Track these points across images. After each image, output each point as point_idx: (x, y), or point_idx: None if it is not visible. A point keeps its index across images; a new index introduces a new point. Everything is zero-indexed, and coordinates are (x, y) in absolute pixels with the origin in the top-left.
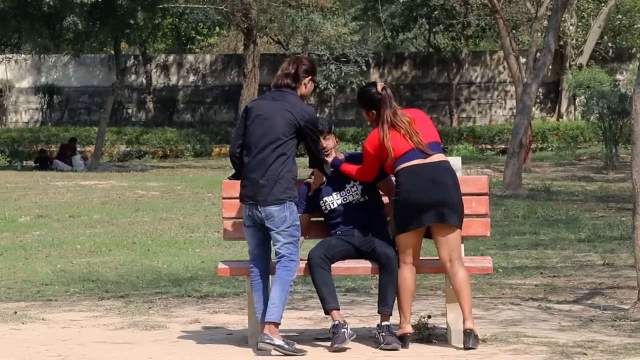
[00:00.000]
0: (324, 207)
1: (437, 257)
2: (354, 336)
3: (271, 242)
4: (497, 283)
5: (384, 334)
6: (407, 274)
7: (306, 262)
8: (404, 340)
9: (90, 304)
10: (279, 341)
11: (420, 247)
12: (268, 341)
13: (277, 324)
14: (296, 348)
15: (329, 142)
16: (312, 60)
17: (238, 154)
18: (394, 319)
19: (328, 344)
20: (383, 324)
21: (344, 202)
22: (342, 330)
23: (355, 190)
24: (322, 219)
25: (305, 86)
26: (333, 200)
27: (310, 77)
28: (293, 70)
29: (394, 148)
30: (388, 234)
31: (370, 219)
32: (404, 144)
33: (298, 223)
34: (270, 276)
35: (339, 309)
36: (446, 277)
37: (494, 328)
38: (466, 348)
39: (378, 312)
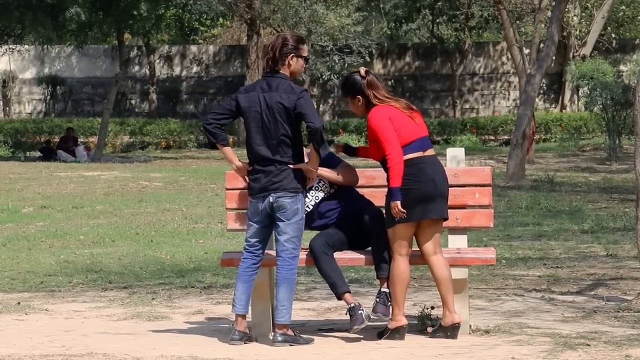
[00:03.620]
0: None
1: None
2: (371, 318)
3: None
4: (500, 274)
5: (378, 299)
6: (402, 265)
7: (308, 253)
8: (399, 333)
9: (94, 294)
10: (292, 337)
11: (412, 238)
12: (281, 339)
13: (287, 325)
14: (306, 338)
15: None
16: (293, 36)
17: (217, 127)
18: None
19: (332, 334)
20: (382, 290)
21: (317, 201)
22: (360, 311)
23: (323, 184)
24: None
25: (290, 65)
26: (307, 203)
27: (292, 55)
28: (272, 54)
29: (402, 131)
30: (371, 205)
31: (349, 202)
32: (411, 128)
33: (304, 215)
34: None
35: (350, 292)
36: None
37: (497, 319)
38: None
39: (377, 278)
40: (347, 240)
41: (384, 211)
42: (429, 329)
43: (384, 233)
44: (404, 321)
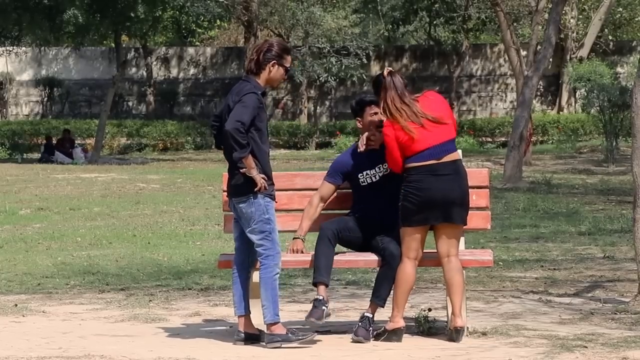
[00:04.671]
0: (362, 180)
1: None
2: (330, 316)
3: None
4: (497, 276)
5: (360, 323)
6: (409, 269)
7: (310, 255)
8: (397, 334)
9: (91, 296)
10: (283, 335)
11: (424, 241)
12: (270, 340)
13: (274, 324)
14: (303, 334)
15: (379, 115)
16: (281, 44)
17: (217, 128)
18: (387, 311)
19: (329, 337)
20: (365, 314)
21: (379, 177)
22: (323, 307)
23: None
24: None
25: (270, 71)
26: (376, 174)
27: (274, 62)
28: (256, 57)
29: (412, 143)
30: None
31: (387, 203)
32: (421, 138)
33: (267, 216)
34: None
35: (327, 285)
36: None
37: (494, 321)
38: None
39: (370, 301)
40: (357, 242)
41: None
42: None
43: (397, 267)
44: (401, 323)
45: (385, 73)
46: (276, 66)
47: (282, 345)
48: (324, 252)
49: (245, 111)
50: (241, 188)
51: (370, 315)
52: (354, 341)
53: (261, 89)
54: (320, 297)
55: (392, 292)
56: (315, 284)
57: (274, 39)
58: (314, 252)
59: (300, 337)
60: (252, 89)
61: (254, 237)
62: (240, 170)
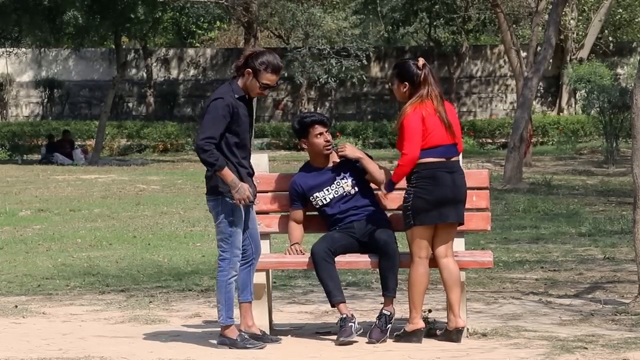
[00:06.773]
0: (314, 203)
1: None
2: (361, 330)
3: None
4: (497, 277)
5: (377, 322)
6: (421, 269)
7: (309, 256)
8: (417, 335)
9: (91, 297)
10: (232, 340)
11: (431, 240)
12: (222, 341)
13: (226, 327)
14: (254, 342)
15: (327, 136)
16: (269, 58)
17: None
18: (403, 312)
19: (329, 338)
20: (383, 312)
21: (335, 196)
22: (350, 324)
23: (345, 182)
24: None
25: (246, 80)
26: (325, 196)
27: (249, 71)
28: (239, 63)
29: (432, 134)
30: (386, 220)
31: (364, 209)
32: (440, 133)
33: (231, 218)
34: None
35: (345, 302)
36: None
37: (494, 322)
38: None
39: (382, 296)
40: (353, 247)
41: (401, 216)
42: (438, 332)
43: (395, 254)
44: (421, 324)
45: (421, 64)
46: (250, 76)
47: (231, 349)
48: (326, 273)
49: (211, 124)
50: (211, 187)
51: (388, 313)
52: (368, 343)
53: (239, 93)
54: (344, 316)
55: (408, 293)
56: (333, 306)
57: (269, 52)
58: (317, 276)
59: (248, 346)
60: (220, 94)
61: (217, 236)
62: (217, 173)
